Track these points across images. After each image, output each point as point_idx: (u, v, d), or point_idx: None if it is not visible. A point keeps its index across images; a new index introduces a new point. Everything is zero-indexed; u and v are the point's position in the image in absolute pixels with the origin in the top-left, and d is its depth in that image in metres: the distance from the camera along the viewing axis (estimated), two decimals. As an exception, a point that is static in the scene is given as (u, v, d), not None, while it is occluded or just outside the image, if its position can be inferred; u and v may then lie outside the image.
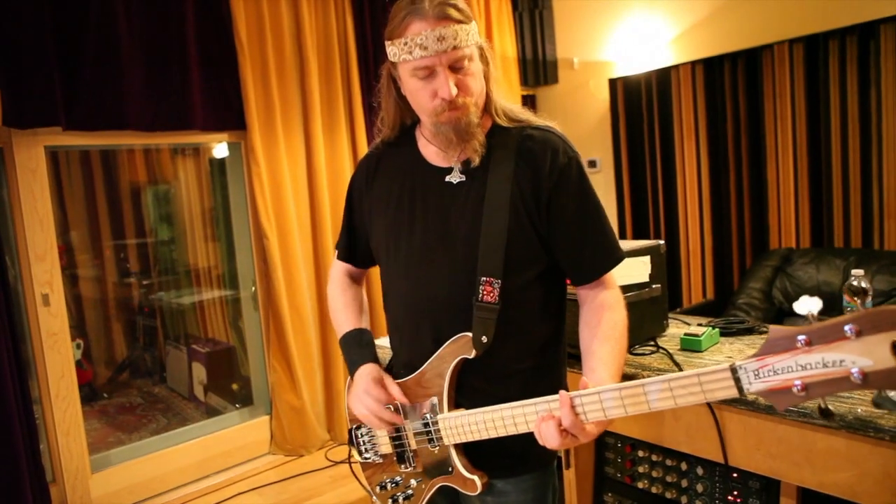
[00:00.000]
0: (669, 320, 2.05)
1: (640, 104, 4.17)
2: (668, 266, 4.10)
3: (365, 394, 1.29)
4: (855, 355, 0.77)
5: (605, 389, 1.03)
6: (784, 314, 3.30)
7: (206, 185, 4.39)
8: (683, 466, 1.75)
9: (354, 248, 1.49)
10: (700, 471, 1.71)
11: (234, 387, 4.08)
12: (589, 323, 1.25)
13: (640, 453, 1.86)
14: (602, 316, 1.24)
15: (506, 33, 4.58)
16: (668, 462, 1.79)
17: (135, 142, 3.16)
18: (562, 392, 1.07)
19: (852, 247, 3.37)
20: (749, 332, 1.91)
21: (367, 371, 1.33)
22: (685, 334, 1.82)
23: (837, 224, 3.41)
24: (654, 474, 1.81)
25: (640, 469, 1.86)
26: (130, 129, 2.93)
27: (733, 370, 0.90)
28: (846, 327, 0.77)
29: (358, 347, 1.38)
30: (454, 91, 1.16)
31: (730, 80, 3.71)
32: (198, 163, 4.47)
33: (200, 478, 3.31)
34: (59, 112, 2.70)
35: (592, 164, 4.56)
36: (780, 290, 3.34)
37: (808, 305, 0.86)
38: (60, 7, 2.70)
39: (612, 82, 4.28)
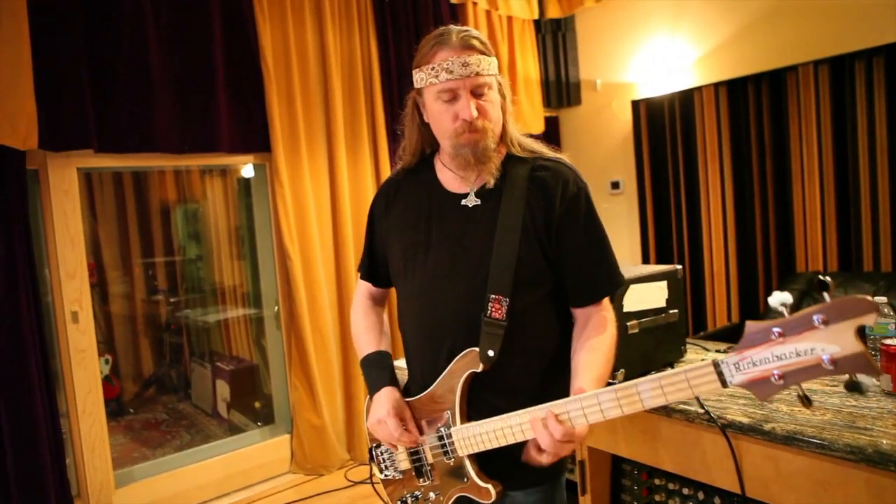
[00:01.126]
0: (688, 346, 2.03)
1: (663, 126, 4.16)
2: (692, 289, 4.07)
3: (383, 424, 1.35)
4: (824, 343, 0.85)
5: (602, 392, 1.10)
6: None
7: (233, 205, 4.48)
8: (701, 496, 1.72)
9: (375, 269, 1.54)
10: (717, 501, 1.68)
11: (257, 405, 4.12)
12: (580, 336, 1.32)
13: (657, 481, 1.83)
14: (595, 331, 1.31)
15: (529, 55, 4.61)
16: (686, 491, 1.76)
17: (162, 164, 3.25)
18: (548, 408, 1.14)
19: (882, 271, 3.29)
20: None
21: (385, 396, 1.37)
22: (702, 360, 1.79)
23: (866, 247, 3.34)
24: (671, 503, 1.78)
25: (657, 497, 1.83)
26: (159, 151, 3.01)
27: (715, 365, 0.97)
28: (814, 317, 0.85)
29: (378, 370, 1.42)
30: (475, 113, 1.25)
31: (754, 102, 3.68)
32: (226, 182, 4.56)
33: (221, 495, 3.34)
34: (91, 135, 2.79)
35: (615, 185, 4.54)
36: (807, 314, 3.27)
37: (780, 299, 0.93)
38: (94, 34, 2.81)
39: (635, 104, 4.28)
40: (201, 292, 4.85)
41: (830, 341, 0.84)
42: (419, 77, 1.30)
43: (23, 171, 2.66)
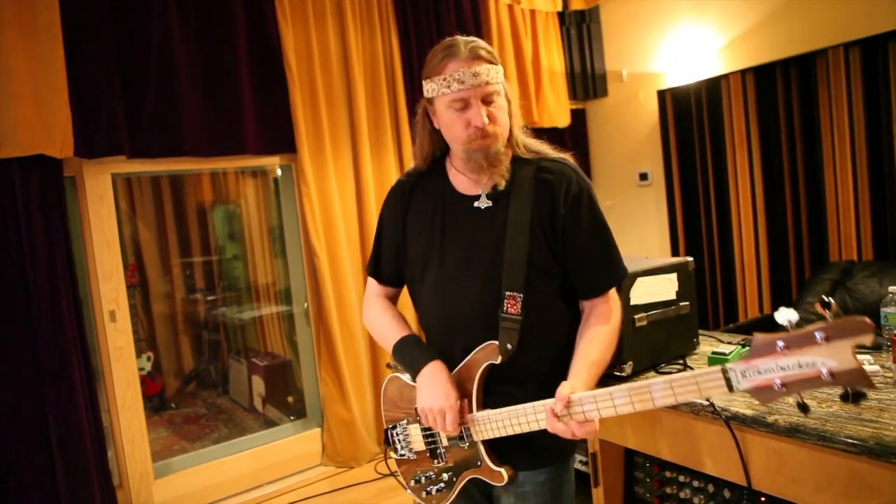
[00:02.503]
0: (701, 338, 2.02)
1: (690, 115, 4.10)
2: (722, 280, 4.00)
3: (442, 414, 1.34)
4: (824, 357, 0.93)
5: (615, 389, 1.17)
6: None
7: (265, 204, 4.59)
8: (711, 488, 1.72)
9: (386, 269, 1.59)
10: (727, 493, 1.67)
11: (290, 399, 4.23)
12: (584, 326, 1.40)
13: (668, 474, 1.83)
14: (598, 321, 1.39)
15: (553, 48, 4.59)
16: (696, 483, 1.75)
17: (191, 167, 3.36)
18: (559, 395, 1.21)
19: (920, 259, 3.19)
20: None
21: (442, 376, 1.36)
22: (713, 353, 1.79)
23: (903, 235, 3.23)
24: (682, 496, 1.78)
25: (668, 490, 1.83)
26: (187, 155, 3.12)
27: (724, 371, 1.04)
28: (817, 334, 0.92)
29: (418, 348, 1.45)
30: (486, 120, 1.33)
31: (782, 88, 3.59)
32: (259, 183, 4.67)
33: (255, 487, 3.45)
34: (123, 142, 2.92)
35: (644, 176, 4.49)
36: (840, 305, 3.18)
37: (786, 316, 1.05)
38: (123, 45, 2.92)
39: (661, 94, 4.22)
40: (237, 290, 4.99)
41: (830, 356, 0.92)
42: (430, 87, 1.37)
43: (61, 178, 2.80)
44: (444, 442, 1.43)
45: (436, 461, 1.46)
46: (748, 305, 3.90)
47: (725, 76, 3.85)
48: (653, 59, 4.32)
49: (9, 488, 2.67)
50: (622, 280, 1.45)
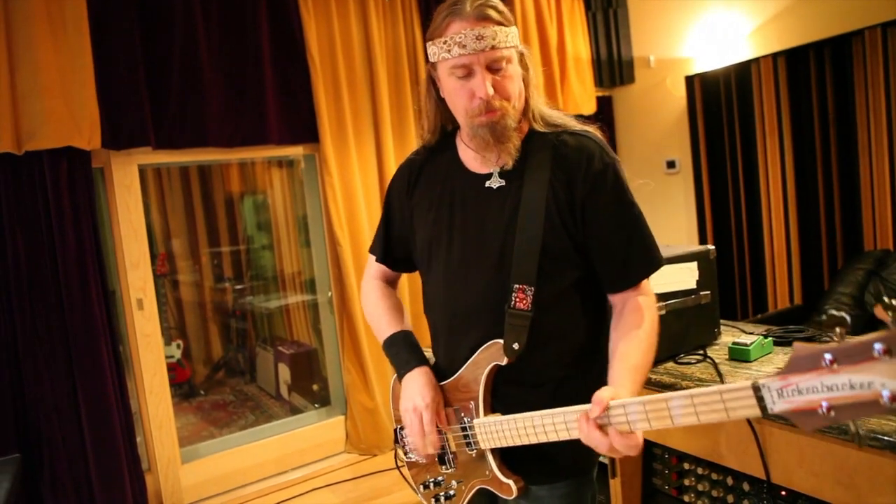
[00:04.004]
0: (723, 328, 1.97)
1: (719, 101, 4.00)
2: (751, 270, 3.92)
3: (418, 414, 1.27)
4: (884, 377, 0.73)
5: (630, 402, 1.00)
6: (877, 322, 3.05)
7: (290, 194, 4.62)
8: (729, 481, 1.68)
9: (391, 252, 1.48)
10: (746, 486, 1.64)
11: (315, 387, 4.28)
12: (616, 325, 1.22)
13: (686, 465, 1.80)
14: (632, 317, 1.21)
15: (578, 34, 4.52)
16: (714, 476, 1.72)
17: (216, 157, 3.40)
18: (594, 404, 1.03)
19: (959, 248, 3.07)
20: (808, 341, 1.80)
21: (422, 379, 1.31)
22: (734, 343, 1.75)
23: (942, 223, 3.12)
24: (701, 488, 1.75)
25: (687, 482, 1.80)
26: (211, 146, 3.16)
27: (756, 388, 0.85)
28: (875, 347, 0.73)
29: (407, 349, 1.36)
30: (491, 91, 1.17)
31: (815, 71, 3.48)
32: (286, 173, 4.70)
33: (279, 473, 3.50)
34: (149, 134, 2.97)
35: (671, 164, 4.40)
36: (874, 295, 3.09)
37: (836, 320, 0.87)
38: (149, 39, 2.97)
39: (689, 79, 4.13)
40: (264, 280, 5.06)
41: (892, 375, 0.72)
42: (432, 51, 1.22)
43: (89, 169, 2.85)
44: (453, 447, 1.31)
45: (444, 467, 1.34)
46: (778, 296, 3.81)
47: (756, 60, 3.74)
48: (681, 44, 4.22)
49: (42, 471, 2.76)
50: (657, 269, 1.25)
